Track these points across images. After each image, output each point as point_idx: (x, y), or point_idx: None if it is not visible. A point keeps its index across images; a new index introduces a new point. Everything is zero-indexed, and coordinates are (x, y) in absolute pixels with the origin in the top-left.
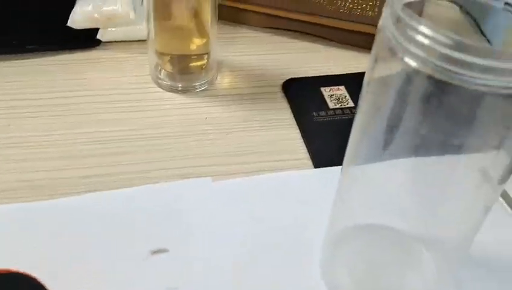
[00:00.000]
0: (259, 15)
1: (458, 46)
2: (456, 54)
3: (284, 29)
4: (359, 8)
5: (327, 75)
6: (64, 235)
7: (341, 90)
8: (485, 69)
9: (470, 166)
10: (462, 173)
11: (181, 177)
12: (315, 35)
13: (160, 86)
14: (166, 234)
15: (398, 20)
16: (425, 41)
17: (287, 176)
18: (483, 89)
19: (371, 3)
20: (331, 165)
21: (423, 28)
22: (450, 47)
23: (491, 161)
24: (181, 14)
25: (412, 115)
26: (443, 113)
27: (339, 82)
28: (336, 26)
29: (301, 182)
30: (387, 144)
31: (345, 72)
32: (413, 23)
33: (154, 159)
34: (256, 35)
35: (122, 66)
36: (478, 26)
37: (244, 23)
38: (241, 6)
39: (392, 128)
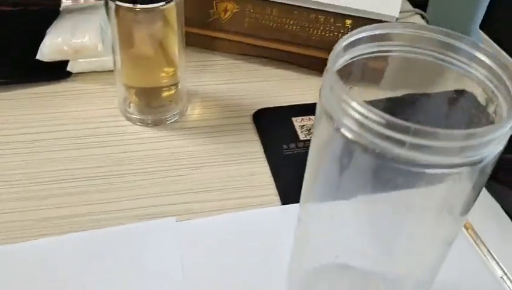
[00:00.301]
0: (231, 42)
1: (389, 125)
2: (388, 132)
3: (257, 56)
4: (331, 36)
5: (299, 104)
6: (19, 282)
7: (312, 120)
8: (418, 147)
9: (427, 198)
10: (420, 206)
11: (145, 218)
12: (288, 62)
13: (129, 119)
14: (127, 278)
15: (332, 90)
16: (358, 116)
17: (252, 214)
18: (415, 167)
19: (342, 31)
20: (299, 202)
21: (355, 104)
22: (381, 125)
23: (450, 191)
24: (145, 45)
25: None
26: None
27: (310, 111)
28: (308, 54)
29: (267, 221)
30: (340, 183)
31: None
32: (345, 98)
33: (120, 198)
34: (229, 62)
35: (92, 99)
36: None
37: (215, 50)
38: (213, 34)
39: (342, 170)
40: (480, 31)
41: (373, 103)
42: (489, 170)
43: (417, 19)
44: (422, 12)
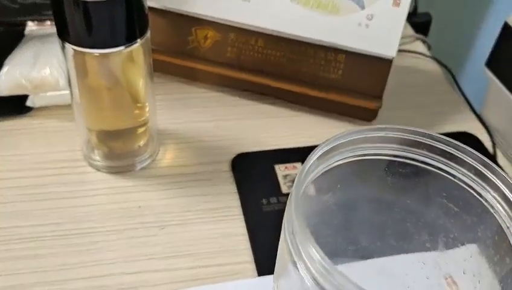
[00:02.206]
0: (211, 73)
1: None
2: None
3: (239, 89)
4: (321, 70)
5: (283, 149)
6: None
7: (297, 169)
8: None
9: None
10: None
11: None
12: (274, 96)
13: (92, 165)
14: None
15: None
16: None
17: (223, 288)
18: None
19: (333, 65)
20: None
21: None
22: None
23: None
24: (106, 85)
25: None
26: None
27: (295, 157)
28: (295, 90)
29: None
30: None
31: (304, 144)
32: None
33: (71, 264)
34: (208, 95)
35: (53, 139)
36: (454, 79)
37: (194, 81)
38: (191, 64)
39: None
40: (487, 69)
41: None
42: None
43: (418, 45)
44: (424, 38)
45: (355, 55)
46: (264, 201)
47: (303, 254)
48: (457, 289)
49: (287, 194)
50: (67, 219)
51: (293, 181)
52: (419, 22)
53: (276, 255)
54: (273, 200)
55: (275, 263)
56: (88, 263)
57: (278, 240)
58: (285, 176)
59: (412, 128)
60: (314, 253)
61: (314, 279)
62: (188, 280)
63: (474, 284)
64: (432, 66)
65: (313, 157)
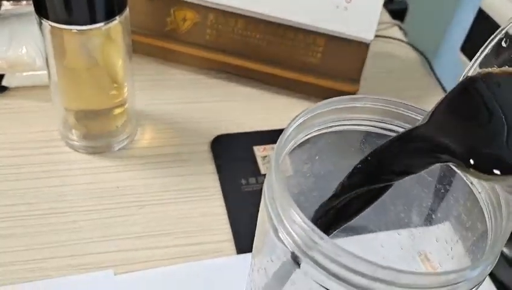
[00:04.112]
0: (190, 55)
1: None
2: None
3: (218, 71)
4: (300, 53)
5: (262, 131)
6: None
7: None
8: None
9: None
10: None
11: (78, 270)
12: (252, 79)
13: (70, 145)
14: None
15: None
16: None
17: (202, 266)
18: None
19: (312, 48)
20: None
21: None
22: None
23: None
24: (84, 64)
25: None
26: None
27: (274, 139)
28: (274, 72)
29: (219, 274)
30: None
31: (282, 126)
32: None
33: (52, 243)
34: (186, 77)
35: (29, 119)
36: (430, 65)
37: (172, 63)
38: (169, 45)
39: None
40: (461, 53)
41: None
42: None
43: (395, 31)
44: (400, 24)
45: (334, 39)
46: (243, 181)
47: (284, 218)
48: (430, 264)
49: (266, 175)
50: (44, 199)
51: None
52: (395, 9)
53: (252, 233)
54: (252, 180)
55: (253, 242)
56: (66, 242)
57: (257, 220)
58: (263, 157)
59: (389, 99)
60: (295, 215)
61: (296, 243)
62: (168, 259)
63: (447, 251)
64: (408, 52)
65: (293, 124)
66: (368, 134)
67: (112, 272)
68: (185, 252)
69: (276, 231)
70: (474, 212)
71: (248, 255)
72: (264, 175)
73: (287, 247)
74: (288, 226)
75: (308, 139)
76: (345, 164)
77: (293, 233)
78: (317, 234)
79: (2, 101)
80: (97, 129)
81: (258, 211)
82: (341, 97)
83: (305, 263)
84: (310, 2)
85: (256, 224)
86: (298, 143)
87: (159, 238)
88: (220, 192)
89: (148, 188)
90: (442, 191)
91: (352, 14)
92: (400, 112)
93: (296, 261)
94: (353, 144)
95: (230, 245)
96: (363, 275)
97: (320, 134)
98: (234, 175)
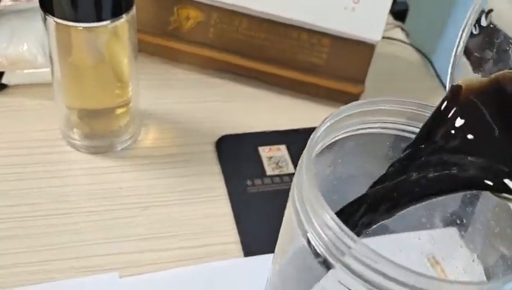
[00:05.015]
0: (194, 55)
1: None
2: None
3: (222, 71)
4: (305, 53)
5: (267, 132)
6: None
7: (281, 151)
8: None
9: None
10: None
11: (84, 271)
12: (257, 79)
13: (71, 145)
14: None
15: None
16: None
17: (208, 268)
18: None
19: (317, 49)
20: (264, 252)
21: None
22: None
23: None
24: (89, 62)
25: None
26: None
27: (279, 140)
28: (278, 72)
29: (226, 276)
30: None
31: (288, 127)
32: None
33: (55, 245)
34: (190, 77)
35: (30, 118)
36: (432, 66)
37: (176, 62)
38: (173, 44)
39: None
40: (464, 56)
41: None
42: None
43: (397, 32)
44: (402, 25)
45: (340, 40)
46: (249, 182)
47: (314, 220)
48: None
49: (272, 176)
50: (46, 199)
51: (277, 163)
52: (397, 10)
53: (259, 235)
54: (258, 181)
55: (260, 244)
56: (70, 244)
57: (264, 221)
58: (269, 158)
59: (415, 101)
60: (327, 217)
61: (327, 247)
62: (173, 261)
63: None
64: (410, 53)
65: (323, 126)
66: (396, 137)
67: (117, 274)
68: (191, 255)
69: (305, 233)
70: (503, 217)
71: (256, 258)
72: (270, 176)
73: (317, 250)
74: (319, 229)
75: (330, 144)
76: (368, 167)
77: (323, 236)
78: (350, 237)
79: (1, 99)
80: (100, 129)
81: (265, 212)
82: (367, 100)
83: (336, 268)
84: (317, 2)
85: (263, 226)
86: (326, 145)
87: (164, 240)
88: (225, 193)
89: (151, 189)
90: (468, 196)
91: (359, 15)
92: (427, 114)
93: (326, 265)
94: (378, 147)
95: (237, 247)
96: (400, 282)
97: (347, 136)
98: (239, 176)
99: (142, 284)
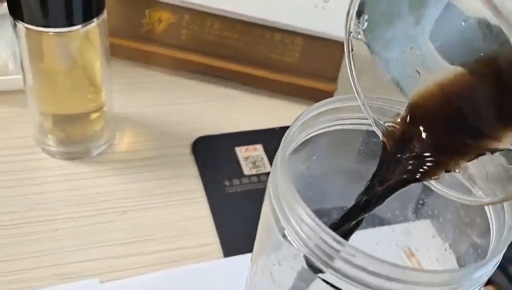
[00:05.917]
0: (166, 57)
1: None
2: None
3: (196, 73)
4: (277, 53)
5: (243, 132)
6: None
7: (257, 151)
8: None
9: None
10: None
11: (62, 279)
12: (231, 80)
13: (46, 151)
14: None
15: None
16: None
17: (188, 271)
18: None
19: (290, 48)
20: (244, 252)
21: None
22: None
23: None
24: (60, 66)
25: None
26: None
27: (256, 139)
28: (253, 73)
29: (206, 278)
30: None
31: (264, 127)
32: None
33: (31, 253)
34: (164, 79)
35: (2, 125)
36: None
37: (149, 65)
38: (145, 47)
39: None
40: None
41: None
42: None
43: None
44: None
45: (312, 38)
46: (227, 183)
47: (291, 218)
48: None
49: (249, 176)
50: (23, 207)
51: (254, 163)
52: None
53: (239, 235)
54: (236, 181)
55: (240, 244)
56: (49, 251)
57: (243, 221)
58: (246, 158)
59: (386, 98)
60: (304, 214)
61: (305, 244)
62: (153, 265)
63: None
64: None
65: (298, 122)
66: (367, 132)
67: (97, 280)
68: (171, 257)
69: (282, 229)
70: (472, 207)
71: (236, 258)
72: (247, 176)
73: (296, 248)
74: (295, 224)
75: (305, 141)
76: (341, 163)
77: (299, 231)
78: (332, 236)
79: None
80: (75, 134)
81: (244, 212)
82: (339, 97)
83: (325, 272)
84: (287, 2)
85: (242, 226)
86: (300, 142)
87: (143, 244)
88: (203, 195)
89: (128, 193)
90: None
91: (330, 14)
92: (396, 109)
93: (312, 268)
94: (351, 143)
95: (217, 248)
96: (374, 274)
97: (320, 133)
98: (217, 177)
99: (122, 288)
